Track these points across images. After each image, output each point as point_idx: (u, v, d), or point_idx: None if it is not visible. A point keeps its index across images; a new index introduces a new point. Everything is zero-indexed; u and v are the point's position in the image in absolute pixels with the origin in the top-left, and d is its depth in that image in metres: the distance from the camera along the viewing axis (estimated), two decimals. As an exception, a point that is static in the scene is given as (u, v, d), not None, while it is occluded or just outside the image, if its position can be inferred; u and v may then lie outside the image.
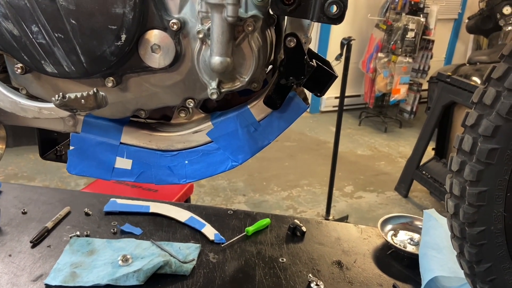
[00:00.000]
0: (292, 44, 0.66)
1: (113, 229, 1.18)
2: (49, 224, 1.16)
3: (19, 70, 0.70)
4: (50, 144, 0.89)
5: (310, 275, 1.03)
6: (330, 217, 2.97)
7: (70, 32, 0.63)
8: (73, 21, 0.62)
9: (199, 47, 0.66)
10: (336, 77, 0.71)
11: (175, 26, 0.66)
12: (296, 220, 1.23)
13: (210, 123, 0.76)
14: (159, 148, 0.77)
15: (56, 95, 0.60)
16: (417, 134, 5.06)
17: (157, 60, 0.67)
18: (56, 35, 0.63)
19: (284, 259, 1.10)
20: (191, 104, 0.72)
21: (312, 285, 1.01)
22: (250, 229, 1.20)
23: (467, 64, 4.82)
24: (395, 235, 1.20)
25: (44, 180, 3.42)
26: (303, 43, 0.66)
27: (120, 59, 0.65)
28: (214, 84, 0.67)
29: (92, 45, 0.64)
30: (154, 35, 0.66)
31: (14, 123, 0.77)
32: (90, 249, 1.10)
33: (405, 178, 3.62)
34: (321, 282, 1.01)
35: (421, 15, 4.97)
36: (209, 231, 1.19)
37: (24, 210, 1.23)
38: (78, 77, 0.67)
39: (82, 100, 0.60)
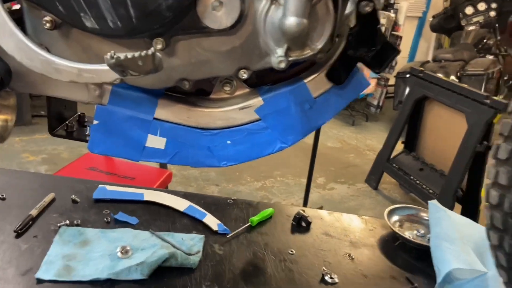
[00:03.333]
0: (368, 9, 0.59)
1: (106, 218, 1.08)
2: (34, 212, 1.04)
3: (48, 25, 0.58)
4: (59, 120, 0.78)
5: (323, 267, 0.99)
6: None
7: None
8: None
9: (268, 6, 0.58)
10: (399, 52, 0.65)
11: None
12: (301, 211, 1.18)
13: (259, 98, 0.67)
14: (198, 126, 0.68)
15: (109, 54, 0.50)
16: (383, 127, 5.18)
17: (217, 19, 0.57)
18: None
19: (294, 251, 1.05)
20: (244, 75, 0.64)
21: (326, 278, 0.97)
22: (255, 219, 1.14)
23: (432, 61, 4.97)
24: (400, 226, 1.18)
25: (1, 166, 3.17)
26: (377, 9, 0.60)
27: (176, 16, 0.55)
28: (281, 51, 0.59)
29: None
30: None
31: (28, 91, 0.65)
32: (83, 239, 0.99)
33: (376, 170, 3.68)
34: (335, 275, 0.97)
35: (391, 11, 5.06)
36: (212, 221, 1.12)
37: (2, 195, 1.10)
38: (123, 35, 0.56)
39: (140, 61, 0.50)
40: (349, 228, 1.19)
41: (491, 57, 5.07)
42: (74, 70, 0.57)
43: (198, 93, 0.67)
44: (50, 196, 1.12)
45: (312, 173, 2.89)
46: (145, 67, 0.51)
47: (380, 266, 1.04)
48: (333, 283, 0.96)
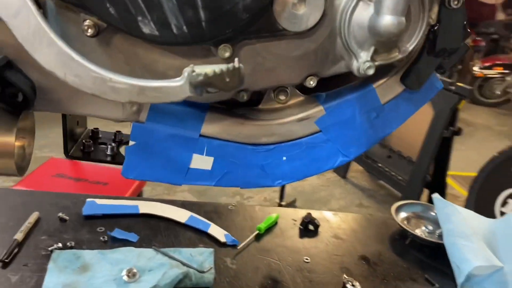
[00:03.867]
0: (457, 4, 0.53)
1: (102, 237, 0.97)
2: (19, 236, 0.92)
3: (90, 30, 0.47)
4: (71, 138, 0.66)
5: (344, 276, 0.95)
6: (283, 202, 2.94)
7: None
8: None
9: (354, 3, 0.50)
10: (469, 48, 0.61)
11: None
12: (308, 213, 1.14)
13: (320, 107, 0.60)
14: (250, 142, 0.59)
15: (188, 69, 0.40)
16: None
17: (297, 20, 0.49)
18: None
19: (308, 259, 1.00)
20: (311, 83, 0.56)
21: (347, 286, 0.93)
22: (262, 226, 1.08)
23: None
24: (408, 223, 1.16)
25: None
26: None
27: (252, 18, 0.47)
28: (366, 56, 0.52)
29: None
30: None
31: (51, 110, 0.54)
32: (81, 264, 0.89)
33: (344, 159, 3.72)
34: (356, 282, 0.94)
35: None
36: (217, 232, 1.05)
37: (-23, 219, 0.96)
38: (187, 43, 0.47)
39: (227, 77, 0.41)
40: (357, 229, 1.16)
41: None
42: (135, 89, 0.46)
43: (244, 103, 0.58)
44: (34, 215, 0.99)
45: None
46: (232, 83, 0.42)
47: (397, 267, 1.02)
48: (356, 291, 0.92)
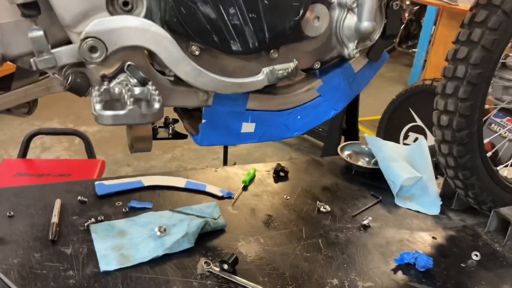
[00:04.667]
0: (396, 7, 0.83)
1: (124, 209, 1.17)
2: (55, 219, 1.07)
3: (197, 52, 0.68)
4: None
5: (318, 202, 1.26)
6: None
7: (262, 11, 0.67)
8: (266, 2, 0.68)
9: (345, 15, 0.78)
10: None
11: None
12: (279, 163, 1.43)
13: (319, 80, 0.88)
14: (277, 109, 0.85)
15: (267, 69, 0.65)
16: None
17: (315, 29, 0.76)
18: (250, 15, 0.66)
19: (288, 196, 1.30)
20: (316, 65, 0.84)
21: (321, 208, 1.25)
22: (246, 179, 1.34)
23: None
24: (351, 158, 1.51)
25: None
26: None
27: (292, 32, 0.72)
28: (353, 46, 0.81)
29: (277, 22, 0.70)
30: (316, 8, 0.77)
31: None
32: (117, 231, 1.08)
33: (270, 121, 4.07)
34: (327, 205, 1.26)
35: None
36: (213, 189, 1.29)
37: (10, 213, 1.09)
38: (256, 52, 0.70)
39: (294, 71, 0.66)
40: (315, 168, 1.48)
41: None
42: (236, 85, 0.70)
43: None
44: (58, 202, 1.14)
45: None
46: (295, 75, 0.68)
47: (350, 191, 1.36)
48: (328, 211, 1.24)
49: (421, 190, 1.33)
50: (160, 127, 0.88)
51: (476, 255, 1.08)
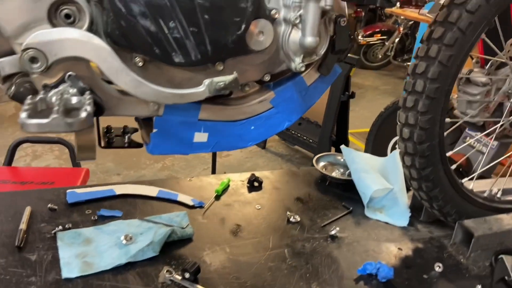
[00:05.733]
0: (344, 23, 0.86)
1: (93, 217, 1.18)
2: (23, 226, 1.09)
3: (140, 63, 0.70)
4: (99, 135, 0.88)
5: (288, 212, 1.28)
6: (215, 177, 3.20)
7: (202, 25, 0.70)
8: (207, 16, 0.70)
9: (290, 30, 0.81)
10: (352, 46, 0.95)
11: (276, 15, 0.81)
12: (252, 174, 1.44)
13: (271, 92, 0.91)
14: (230, 119, 0.87)
15: (208, 80, 0.67)
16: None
17: (259, 44, 0.78)
18: (191, 29, 0.68)
19: (259, 206, 1.31)
20: (267, 77, 0.87)
21: (290, 219, 1.26)
22: (219, 189, 1.36)
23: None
24: (325, 169, 1.53)
25: None
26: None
27: (235, 46, 0.74)
28: (299, 60, 0.84)
29: (219, 36, 0.72)
30: (260, 24, 0.79)
31: (107, 115, 0.75)
32: (83, 239, 1.09)
33: (261, 132, 4.10)
34: (297, 215, 1.27)
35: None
36: (185, 198, 1.30)
37: (-22, 220, 1.10)
38: (200, 64, 0.73)
39: (233, 83, 0.68)
40: (290, 179, 1.49)
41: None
42: (177, 95, 0.72)
43: (222, 95, 0.88)
44: (28, 209, 1.16)
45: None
46: (236, 87, 0.71)
47: (322, 201, 1.37)
48: (297, 221, 1.26)
49: (391, 201, 1.34)
50: (117, 135, 0.90)
51: (439, 267, 1.09)
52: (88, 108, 0.64)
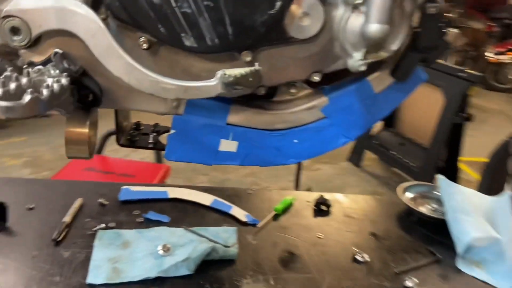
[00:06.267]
0: (433, 11, 0.64)
1: (138, 219, 1.10)
2: (67, 219, 1.05)
3: (144, 45, 0.60)
4: (120, 130, 0.79)
5: (353, 248, 1.06)
6: (299, 190, 3.04)
7: None
8: None
9: (348, 14, 0.62)
10: (449, 46, 0.71)
11: None
12: (322, 195, 1.24)
13: (324, 98, 0.72)
14: (267, 128, 0.71)
15: (220, 72, 0.52)
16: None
17: (303, 30, 0.61)
18: (205, 2, 0.55)
19: (322, 235, 1.11)
20: (316, 78, 0.68)
21: (357, 257, 1.03)
22: (279, 207, 1.19)
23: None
24: (414, 202, 1.26)
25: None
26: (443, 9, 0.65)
27: (267, 30, 0.59)
28: (359, 55, 0.64)
29: (243, 14, 0.57)
30: (305, 2, 0.60)
31: (112, 107, 0.67)
32: (122, 241, 1.02)
33: (357, 148, 3.81)
34: (365, 254, 1.04)
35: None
36: (239, 213, 1.16)
37: (30, 206, 1.10)
38: (218, 51, 0.59)
39: (250, 77, 0.53)
40: (367, 208, 1.26)
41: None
42: (181, 89, 0.59)
43: (261, 96, 0.71)
44: (79, 201, 1.12)
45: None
46: (254, 82, 0.55)
47: (403, 241, 1.12)
48: (365, 262, 1.03)
49: (496, 255, 1.03)
50: (144, 134, 0.79)
51: None
52: (32, 90, 0.52)
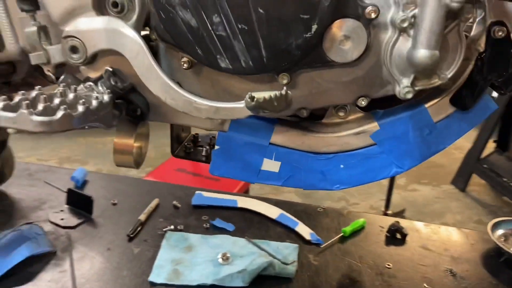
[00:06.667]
0: (501, 34, 0.57)
1: (205, 224, 1.14)
2: (142, 217, 1.14)
3: (185, 65, 0.65)
4: (177, 140, 0.85)
5: (424, 284, 0.96)
6: (390, 211, 2.87)
7: (255, 22, 0.56)
8: (261, 10, 0.56)
9: (396, 38, 0.59)
10: None
11: (372, 14, 0.58)
12: (396, 222, 1.16)
13: (375, 123, 0.68)
14: (312, 150, 0.70)
15: (248, 96, 0.54)
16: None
17: (344, 53, 0.59)
18: (240, 26, 0.57)
19: (390, 265, 1.03)
20: (363, 102, 0.65)
21: (427, 294, 0.94)
22: (347, 229, 1.13)
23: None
24: (506, 240, 1.11)
25: (97, 164, 3.47)
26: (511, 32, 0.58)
27: (303, 54, 0.59)
28: (407, 82, 0.60)
29: (277, 38, 0.57)
30: (346, 25, 0.58)
31: (160, 120, 0.73)
32: (187, 244, 1.06)
33: (464, 171, 3.46)
34: (437, 292, 0.94)
35: None
36: (304, 230, 1.14)
37: (114, 201, 1.21)
38: (253, 73, 0.61)
39: (275, 101, 0.54)
40: (449, 242, 1.14)
41: None
42: (212, 109, 0.62)
43: (309, 117, 0.69)
44: (155, 201, 1.21)
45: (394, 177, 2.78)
46: (279, 107, 0.54)
47: (485, 284, 0.99)
48: (435, 301, 0.93)
49: None
50: (199, 146, 0.81)
51: None
52: (80, 108, 0.56)
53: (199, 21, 0.57)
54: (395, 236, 1.14)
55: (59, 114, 0.56)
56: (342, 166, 0.70)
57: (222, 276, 0.95)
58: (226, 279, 0.95)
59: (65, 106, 0.57)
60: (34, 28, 0.66)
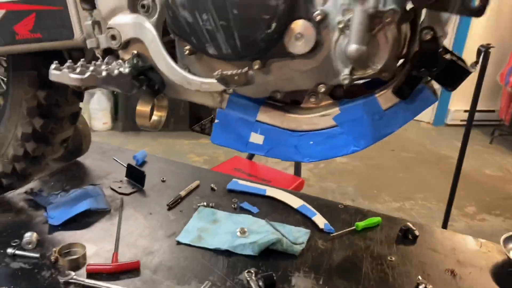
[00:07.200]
0: (428, 37, 0.69)
1: (233, 205, 1.31)
2: (182, 193, 1.34)
3: (187, 52, 0.85)
4: (197, 119, 1.05)
5: (419, 277, 1.02)
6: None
7: (231, 20, 0.75)
8: (235, 11, 0.75)
9: (337, 36, 0.74)
10: (470, 72, 0.72)
11: (318, 17, 0.74)
12: (409, 223, 1.22)
13: (337, 108, 0.82)
14: (288, 128, 0.86)
15: (217, 72, 0.73)
16: (561, 158, 4.41)
17: (298, 47, 0.76)
18: (221, 22, 0.76)
19: (393, 258, 1.11)
20: (322, 89, 0.80)
21: (420, 287, 1.00)
22: (360, 224, 1.22)
23: None
24: (519, 254, 1.11)
25: (172, 162, 3.82)
26: (439, 36, 0.69)
27: (268, 45, 0.76)
28: (347, 71, 0.74)
29: (247, 32, 0.76)
30: (299, 25, 0.75)
31: (174, 96, 0.94)
32: (214, 218, 1.24)
33: (541, 206, 3.20)
34: (430, 286, 1.00)
35: None
36: (319, 220, 1.25)
37: (163, 179, 1.44)
38: (232, 59, 0.80)
39: (236, 76, 0.72)
40: (459, 248, 1.17)
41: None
42: (197, 82, 0.82)
43: (293, 103, 0.85)
44: (196, 182, 1.41)
45: (453, 197, 2.70)
46: (240, 80, 0.72)
47: (484, 287, 1.02)
48: (427, 294, 0.99)
49: None
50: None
51: None
52: (103, 73, 0.76)
53: (194, 18, 0.77)
54: (407, 237, 1.20)
55: (87, 73, 0.80)
56: (311, 142, 0.83)
57: (236, 244, 1.11)
58: (239, 247, 1.10)
59: (93, 70, 0.80)
60: (90, 22, 0.92)
